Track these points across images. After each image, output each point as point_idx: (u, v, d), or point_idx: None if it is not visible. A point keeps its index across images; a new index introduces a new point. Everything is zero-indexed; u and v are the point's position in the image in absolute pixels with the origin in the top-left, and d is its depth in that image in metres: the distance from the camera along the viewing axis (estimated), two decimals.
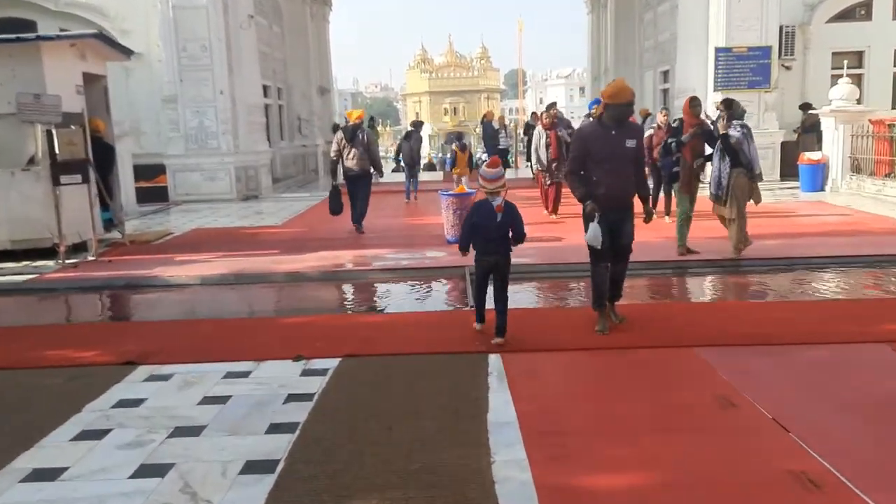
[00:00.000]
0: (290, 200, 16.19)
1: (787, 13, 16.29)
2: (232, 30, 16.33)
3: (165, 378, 4.74)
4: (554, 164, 11.36)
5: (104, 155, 10.55)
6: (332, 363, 4.92)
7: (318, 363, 4.94)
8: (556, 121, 11.58)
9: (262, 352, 5.21)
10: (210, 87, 16.00)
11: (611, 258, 5.52)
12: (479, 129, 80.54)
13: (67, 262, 8.88)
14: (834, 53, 17.09)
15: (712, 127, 8.24)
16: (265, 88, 20.35)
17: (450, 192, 9.49)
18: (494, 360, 4.90)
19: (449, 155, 18.39)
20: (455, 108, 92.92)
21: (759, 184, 8.07)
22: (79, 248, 9.45)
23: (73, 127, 8.82)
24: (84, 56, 9.94)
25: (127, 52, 10.83)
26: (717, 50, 15.81)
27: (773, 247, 8.74)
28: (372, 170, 10.97)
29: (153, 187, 16.59)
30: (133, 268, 8.60)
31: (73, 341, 5.71)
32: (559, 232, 10.08)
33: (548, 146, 11.39)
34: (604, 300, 5.58)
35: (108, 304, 7.67)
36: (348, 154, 10.65)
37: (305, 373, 4.77)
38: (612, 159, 5.36)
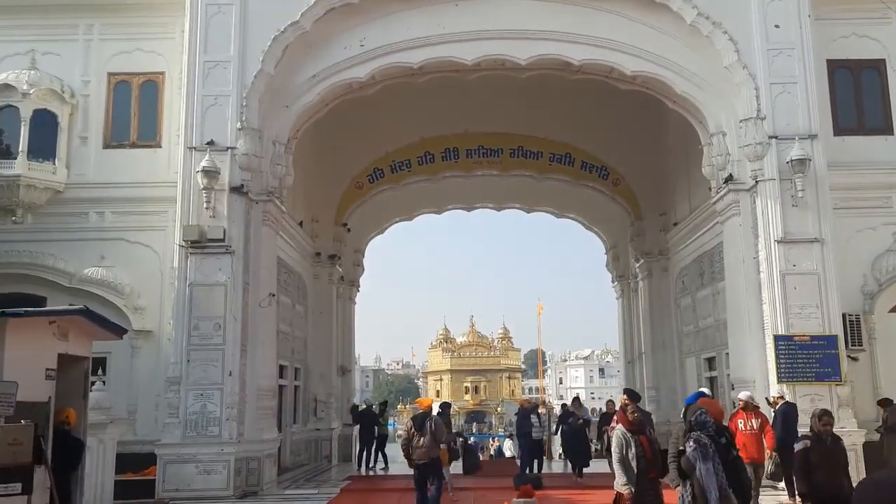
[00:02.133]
0: (295, 499, 14.00)
1: (846, 301, 15.10)
2: (251, 308, 15.35)
3: None
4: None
5: (71, 451, 8.80)
6: None
7: None
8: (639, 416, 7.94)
9: None
10: (219, 369, 14.61)
11: None
12: (500, 408, 78.50)
13: None
14: None
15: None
16: (282, 369, 19.02)
17: None
18: None
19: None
20: (476, 387, 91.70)
21: None
22: None
23: (23, 422, 7.17)
24: (66, 335, 8.63)
25: (119, 331, 9.58)
26: (777, 338, 14.40)
27: None
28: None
29: (139, 481, 14.48)
30: None
31: None
32: None
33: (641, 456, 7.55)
34: None
35: None
36: (417, 442, 10.74)
37: None
38: None
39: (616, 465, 8.00)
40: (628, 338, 26.38)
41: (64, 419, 8.76)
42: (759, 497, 10.28)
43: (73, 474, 8.86)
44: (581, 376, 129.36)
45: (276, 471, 16.54)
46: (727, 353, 17.76)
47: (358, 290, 27.60)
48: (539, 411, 16.79)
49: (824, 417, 7.01)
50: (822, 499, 6.66)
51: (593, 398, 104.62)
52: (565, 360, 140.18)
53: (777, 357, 14.38)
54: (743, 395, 11.77)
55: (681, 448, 6.13)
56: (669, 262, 22.60)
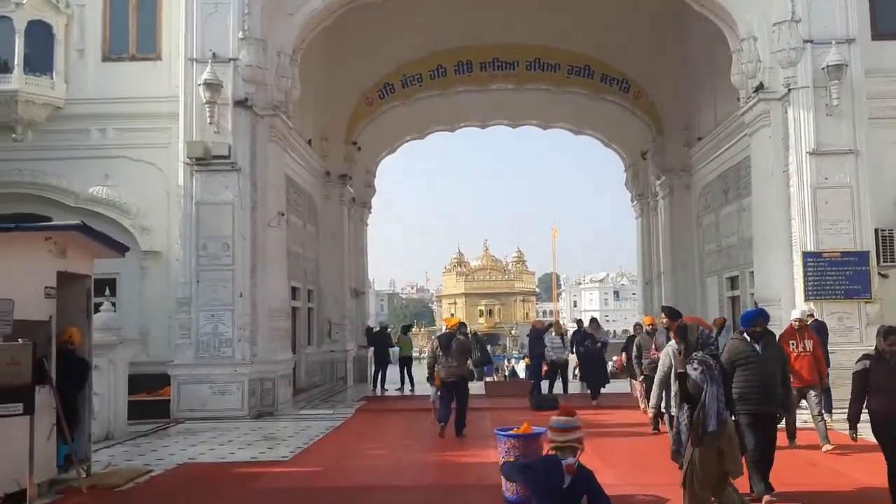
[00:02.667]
0: (310, 419, 13.81)
1: (879, 216, 14.43)
2: (259, 227, 14.91)
3: None
4: None
5: (75, 371, 8.49)
6: None
7: None
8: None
9: None
10: (229, 290, 14.28)
11: None
12: (514, 331, 78.86)
13: None
14: None
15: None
16: (294, 290, 18.75)
17: (510, 432, 7.09)
18: None
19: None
20: (490, 310, 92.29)
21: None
22: (17, 499, 7.09)
23: (20, 341, 6.80)
24: (64, 252, 8.19)
25: (120, 248, 9.12)
26: (806, 255, 13.83)
27: None
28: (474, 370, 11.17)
29: (155, 402, 14.39)
30: None
31: None
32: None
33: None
34: None
35: None
36: (444, 361, 11.11)
37: None
38: None
39: (656, 385, 7.69)
40: (647, 258, 25.88)
41: (67, 339, 8.43)
42: (820, 421, 9.69)
43: (80, 394, 8.58)
44: (595, 299, 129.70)
45: (292, 391, 16.44)
46: (751, 272, 17.26)
47: (370, 212, 27.10)
48: (561, 332, 16.40)
49: (890, 336, 6.07)
50: (881, 425, 6.11)
51: (608, 321, 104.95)
52: (579, 284, 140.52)
53: (805, 274, 13.84)
54: (797, 312, 10.94)
55: (680, 371, 5.55)
56: (692, 179, 21.87)
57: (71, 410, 8.47)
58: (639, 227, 26.81)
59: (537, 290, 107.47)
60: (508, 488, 6.95)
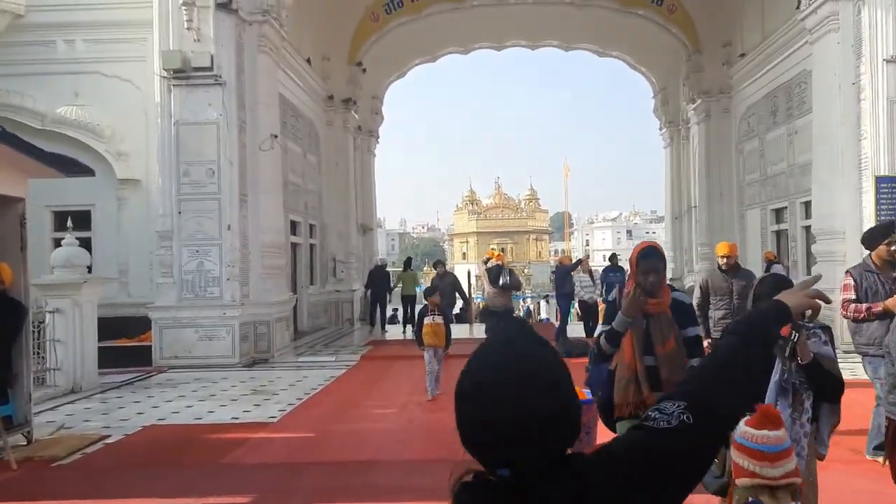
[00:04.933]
0: (308, 368, 12.23)
1: None
2: (249, 151, 13.10)
3: None
4: None
5: (7, 317, 6.83)
6: None
7: None
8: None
9: None
10: (215, 222, 12.56)
11: None
12: (527, 270, 77.41)
13: None
14: None
15: None
16: (293, 225, 17.02)
17: None
18: None
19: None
20: (503, 249, 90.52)
21: None
22: None
23: None
24: None
25: (62, 165, 7.32)
26: (879, 180, 11.90)
27: None
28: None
29: (136, 347, 12.90)
30: None
31: None
32: None
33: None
34: None
35: None
36: (493, 291, 11.35)
37: None
38: None
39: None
40: (675, 190, 23.94)
41: None
42: None
43: (14, 345, 6.98)
44: (608, 238, 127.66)
45: (291, 336, 14.89)
46: (803, 203, 15.41)
47: (377, 142, 25.14)
48: (589, 269, 14.67)
49: None
50: None
51: (621, 261, 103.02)
52: (592, 223, 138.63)
53: (877, 202, 11.94)
54: None
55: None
56: (732, 102, 19.76)
57: (3, 365, 6.86)
58: (667, 157, 24.76)
59: (550, 228, 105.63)
60: None
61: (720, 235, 19.46)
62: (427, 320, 9.02)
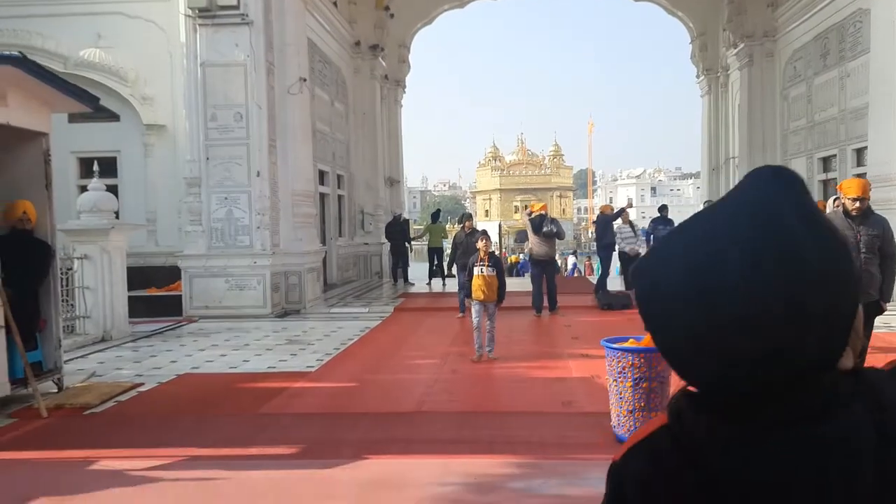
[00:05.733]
0: (341, 319, 11.90)
1: None
2: (278, 95, 12.62)
3: None
4: None
5: (34, 258, 6.50)
6: None
7: None
8: None
9: None
10: (244, 168, 12.15)
11: None
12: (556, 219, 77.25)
13: None
14: None
15: None
16: (322, 175, 16.58)
17: (622, 345, 4.93)
18: None
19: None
20: (526, 206, 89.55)
21: None
22: None
23: None
24: (3, 97, 6.02)
25: (88, 100, 6.90)
26: None
27: None
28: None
29: (166, 297, 12.65)
30: None
31: None
32: None
33: None
34: None
35: None
36: (536, 240, 11.50)
37: None
38: None
39: None
40: (713, 141, 23.15)
41: (21, 216, 6.45)
42: None
43: (42, 287, 6.66)
44: (632, 195, 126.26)
45: (321, 287, 14.55)
46: (855, 150, 14.70)
47: (404, 92, 24.50)
48: (630, 220, 14.11)
49: None
50: None
51: (643, 217, 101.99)
52: (615, 180, 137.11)
53: None
54: None
55: None
56: (776, 46, 18.84)
57: (31, 308, 6.55)
58: (705, 106, 23.90)
59: (574, 186, 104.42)
60: (621, 423, 4.89)
61: None
62: (476, 271, 7.98)
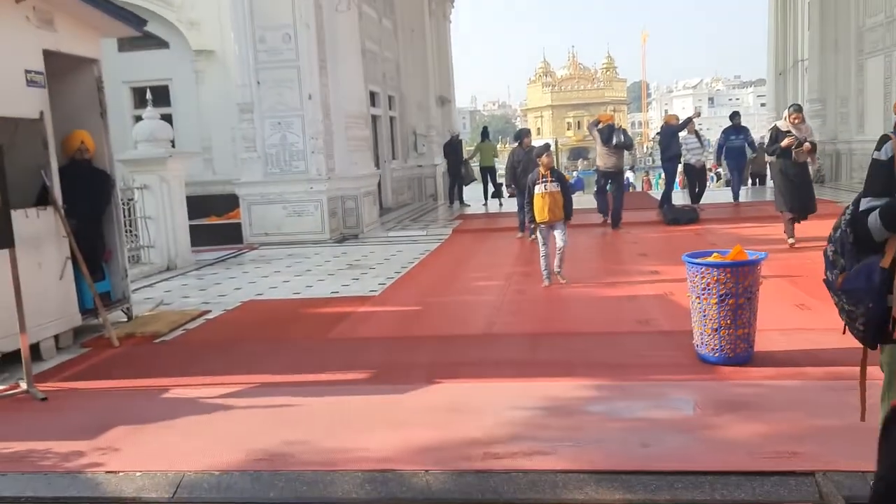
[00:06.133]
0: (400, 243, 11.79)
1: None
2: (326, 14, 12.23)
3: None
4: None
5: (95, 187, 6.46)
6: None
7: None
8: None
9: None
10: (295, 91, 11.91)
11: None
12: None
13: None
14: None
15: None
16: (372, 95, 16.23)
17: (707, 260, 4.64)
18: None
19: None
20: (579, 123, 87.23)
21: None
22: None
23: None
24: (50, 22, 5.86)
25: (136, 22, 6.69)
26: None
27: None
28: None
29: (225, 226, 12.72)
30: (65, 427, 4.30)
31: None
32: None
33: None
34: None
35: None
36: (604, 151, 11.32)
37: None
38: None
39: None
40: (780, 42, 21.90)
41: (79, 146, 6.38)
42: None
43: (105, 217, 6.65)
44: (688, 107, 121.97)
45: (378, 211, 14.43)
46: None
47: (452, 6, 23.69)
48: (695, 130, 13.45)
49: None
50: None
51: (700, 128, 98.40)
52: (671, 91, 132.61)
53: None
54: None
55: None
56: None
57: (96, 239, 6.55)
58: (771, 6, 22.51)
59: (627, 99, 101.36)
60: (704, 341, 4.64)
61: (834, 89, 17.80)
62: (538, 190, 7.32)
